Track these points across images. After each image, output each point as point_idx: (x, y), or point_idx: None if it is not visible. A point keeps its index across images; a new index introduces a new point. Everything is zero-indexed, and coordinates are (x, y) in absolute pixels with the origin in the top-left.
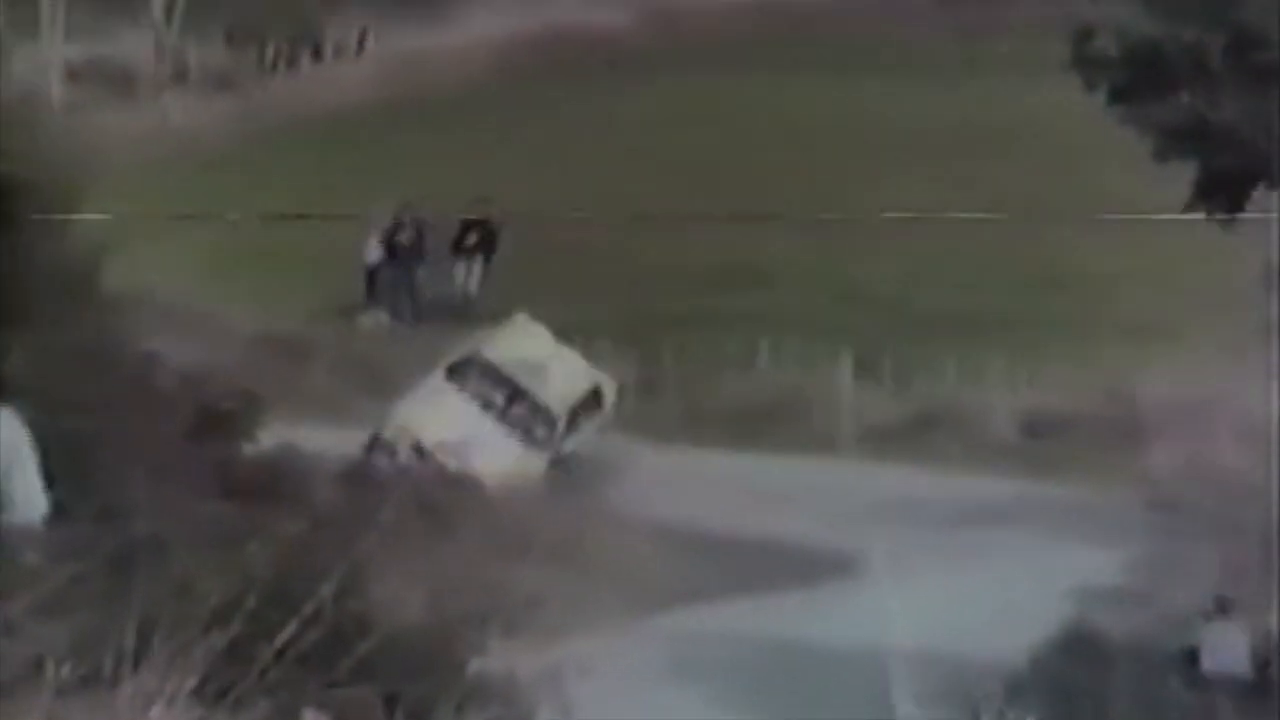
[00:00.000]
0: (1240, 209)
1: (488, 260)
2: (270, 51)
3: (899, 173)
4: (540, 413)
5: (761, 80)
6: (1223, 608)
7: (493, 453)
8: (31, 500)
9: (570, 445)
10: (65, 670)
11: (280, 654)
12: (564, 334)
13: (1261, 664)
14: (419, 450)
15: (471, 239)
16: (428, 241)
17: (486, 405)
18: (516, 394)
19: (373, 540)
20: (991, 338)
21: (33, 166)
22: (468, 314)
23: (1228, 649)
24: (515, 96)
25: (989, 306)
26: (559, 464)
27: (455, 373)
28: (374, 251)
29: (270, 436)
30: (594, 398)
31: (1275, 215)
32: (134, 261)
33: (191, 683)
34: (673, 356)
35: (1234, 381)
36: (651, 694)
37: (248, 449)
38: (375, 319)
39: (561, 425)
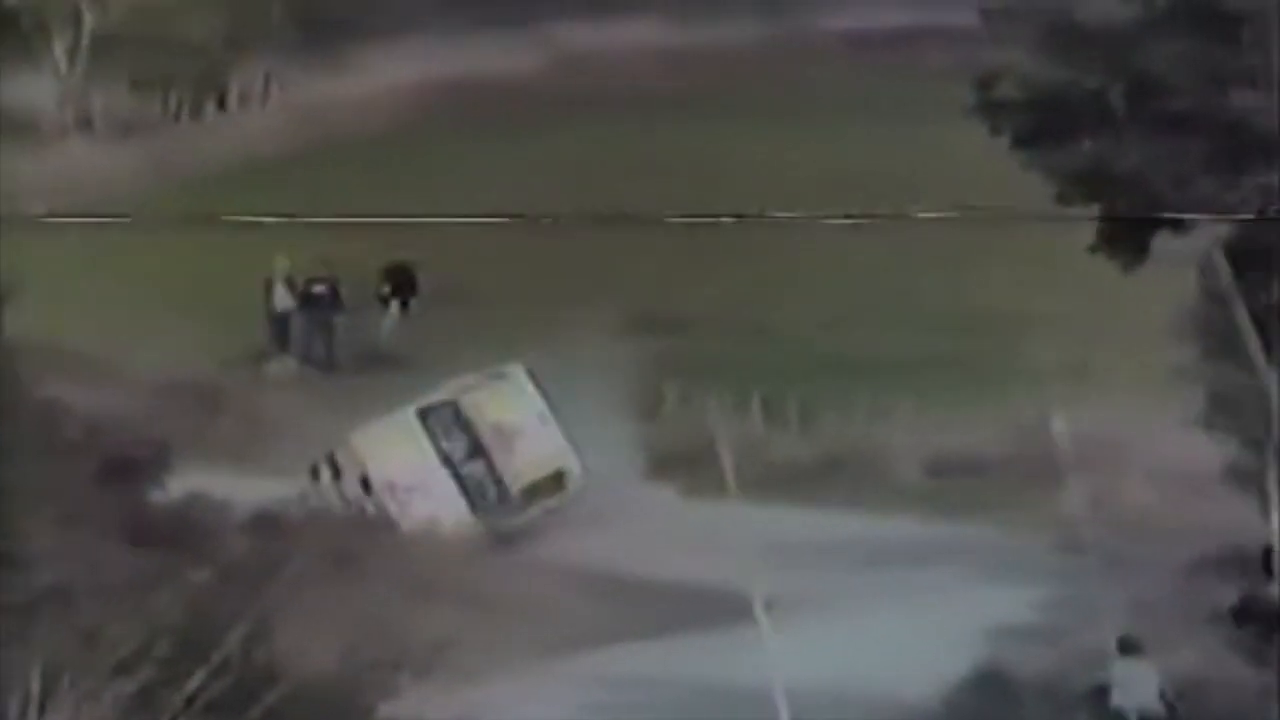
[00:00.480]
0: (1144, 254)
1: (405, 306)
2: (175, 99)
3: (810, 215)
4: (497, 483)
5: (673, 124)
6: (1129, 647)
7: (437, 505)
8: None
9: (517, 522)
10: None
11: (189, 702)
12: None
13: (1170, 704)
14: (365, 483)
15: (389, 286)
16: (342, 290)
17: (446, 457)
18: (479, 454)
19: (282, 588)
20: (900, 379)
21: None
22: (384, 361)
23: (1138, 686)
24: (422, 144)
25: (897, 348)
26: (500, 537)
27: (426, 415)
28: (283, 299)
29: (179, 485)
30: (556, 480)
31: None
32: (37, 309)
33: None
34: (582, 400)
35: (1142, 423)
36: None
37: (156, 496)
38: (284, 366)
39: (513, 502)
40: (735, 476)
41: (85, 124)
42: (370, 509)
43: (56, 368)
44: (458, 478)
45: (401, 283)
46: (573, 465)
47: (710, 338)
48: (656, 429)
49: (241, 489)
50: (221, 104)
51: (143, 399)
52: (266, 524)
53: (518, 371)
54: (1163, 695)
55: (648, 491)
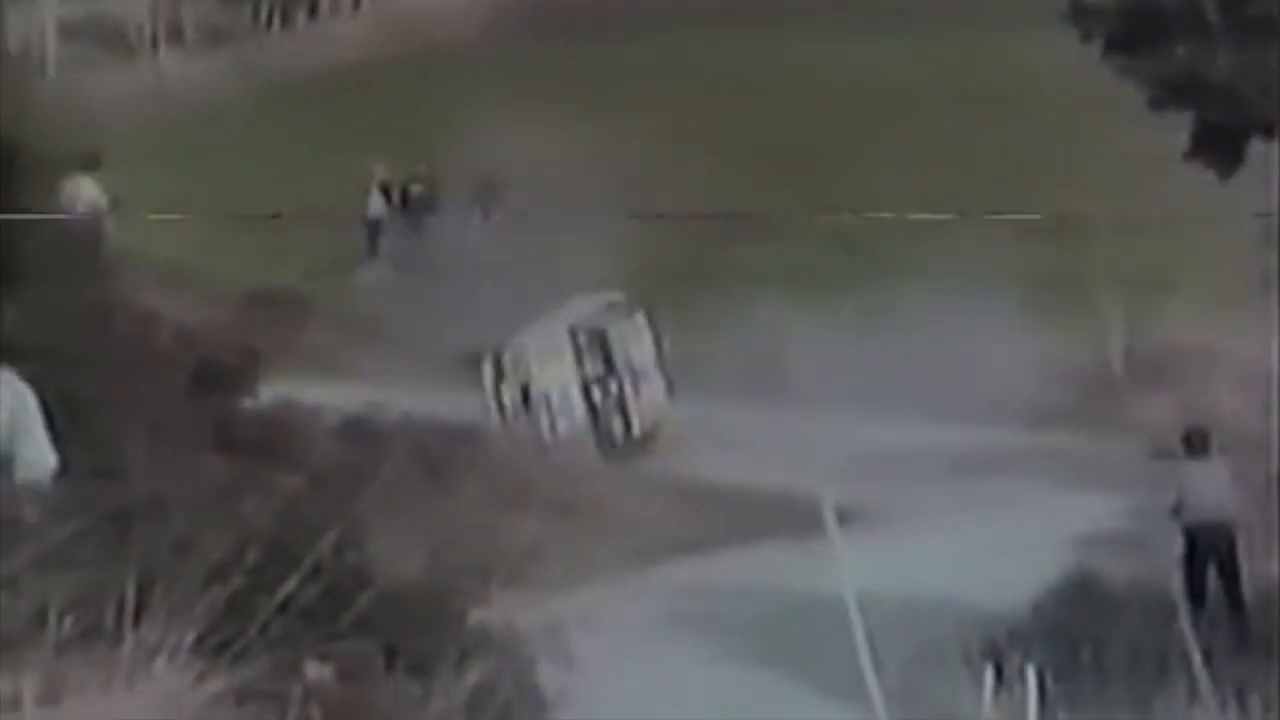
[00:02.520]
0: (1237, 161)
1: (487, 215)
2: (265, 7)
3: (897, 129)
4: (624, 420)
5: (757, 35)
6: (1199, 445)
7: (573, 429)
8: (41, 458)
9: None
10: (67, 624)
11: (281, 608)
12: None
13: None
14: (525, 393)
15: (472, 193)
16: (438, 194)
17: (587, 383)
18: (614, 387)
19: (373, 494)
20: (990, 287)
21: (29, 126)
22: (474, 269)
23: (1208, 491)
24: (512, 53)
25: (988, 255)
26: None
27: (576, 335)
28: (377, 205)
29: (270, 392)
30: (658, 427)
31: (1275, 169)
32: (132, 221)
33: (192, 637)
34: (675, 308)
35: (1232, 331)
36: (652, 646)
37: (247, 404)
38: (376, 273)
39: (633, 442)
40: (819, 386)
41: (176, 34)
42: (521, 422)
43: (149, 280)
44: (592, 408)
45: (485, 190)
46: (672, 416)
47: (801, 244)
48: (750, 335)
49: (333, 395)
50: (313, 12)
51: (234, 307)
52: (358, 430)
53: (635, 308)
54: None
55: (734, 403)
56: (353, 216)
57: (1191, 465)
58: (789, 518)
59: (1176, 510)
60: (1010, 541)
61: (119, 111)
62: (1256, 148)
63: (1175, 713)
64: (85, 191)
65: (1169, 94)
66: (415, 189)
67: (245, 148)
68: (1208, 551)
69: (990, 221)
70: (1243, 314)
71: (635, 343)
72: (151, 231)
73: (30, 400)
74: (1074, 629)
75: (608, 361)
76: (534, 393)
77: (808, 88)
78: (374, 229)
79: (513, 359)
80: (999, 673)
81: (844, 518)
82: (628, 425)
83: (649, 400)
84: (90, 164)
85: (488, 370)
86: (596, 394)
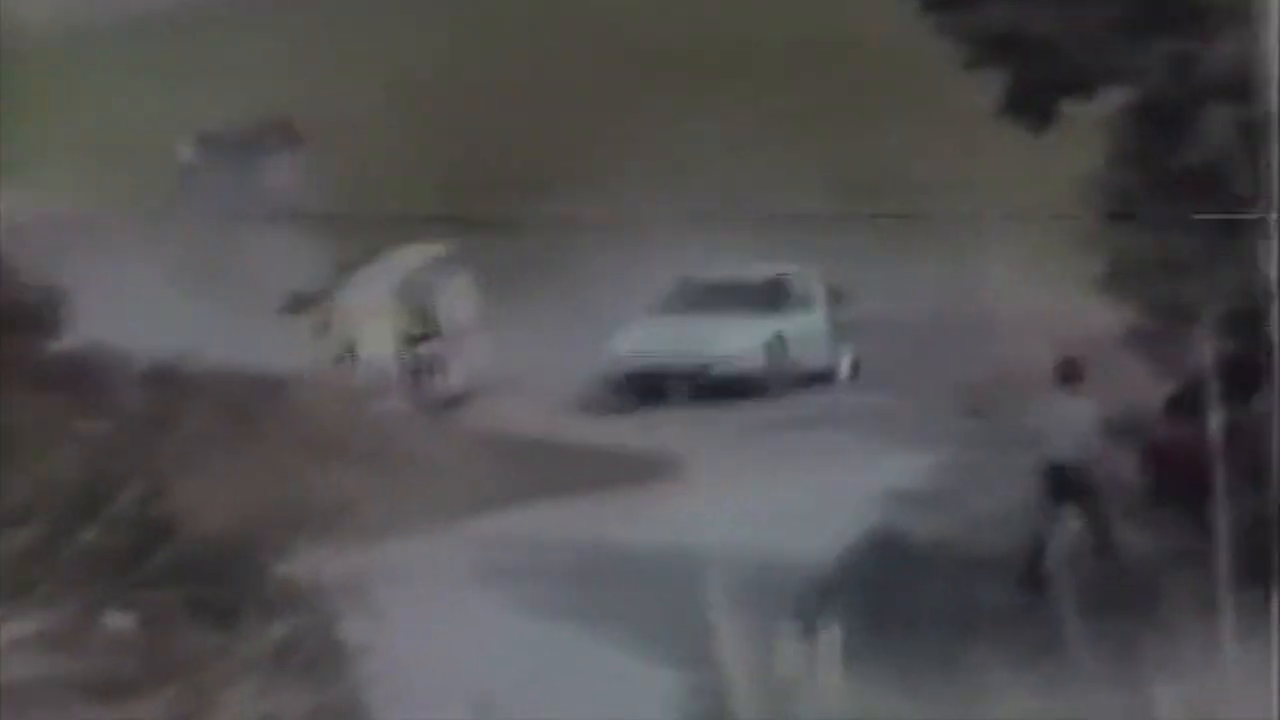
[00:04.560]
0: (1049, 119)
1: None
2: None
3: (717, 85)
4: (442, 374)
5: None
6: (1069, 375)
7: (386, 383)
8: None
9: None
10: None
11: (83, 555)
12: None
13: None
14: (350, 350)
15: (276, 137)
16: (252, 140)
17: (407, 337)
18: (435, 343)
19: (179, 443)
20: (805, 242)
21: None
22: (282, 214)
23: (1072, 424)
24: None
25: (804, 211)
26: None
27: (399, 290)
28: (188, 150)
29: (78, 333)
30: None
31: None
32: None
33: None
34: (495, 260)
35: (1047, 291)
36: (460, 599)
37: (51, 346)
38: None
39: (448, 402)
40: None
41: None
42: (339, 375)
43: None
44: (412, 364)
45: (288, 134)
46: (489, 372)
47: (618, 192)
48: (571, 306)
49: (143, 340)
50: None
51: (43, 240)
52: (167, 378)
53: (458, 264)
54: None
55: (551, 356)
56: (169, 158)
57: (1058, 399)
58: (602, 471)
59: (1035, 442)
60: (819, 496)
61: None
62: (1072, 107)
63: (978, 671)
64: None
65: (986, 51)
66: (229, 134)
67: (75, 84)
68: (1063, 490)
69: (813, 180)
70: (1057, 270)
71: (458, 299)
72: None
73: None
74: (879, 585)
75: (429, 319)
76: (355, 346)
77: (625, 42)
78: (189, 172)
79: (336, 312)
80: (803, 626)
81: (658, 470)
82: (445, 384)
83: (468, 358)
84: None
85: (310, 322)
86: (417, 350)
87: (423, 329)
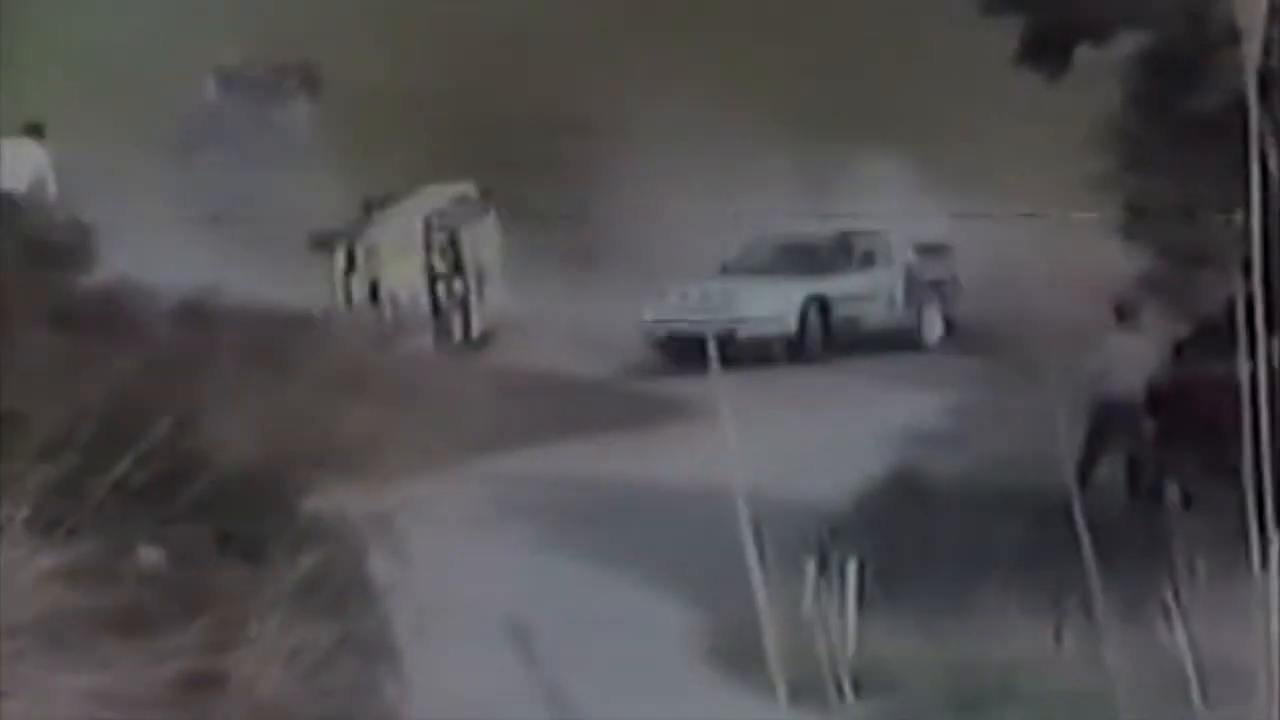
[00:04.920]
0: (1065, 65)
1: (313, 104)
2: None
3: (722, 26)
4: (465, 323)
5: None
6: (1128, 315)
7: (411, 322)
8: None
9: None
10: None
11: (114, 489)
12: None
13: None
14: (374, 289)
15: (295, 81)
16: (275, 82)
17: (434, 281)
18: (459, 288)
19: (209, 378)
20: (813, 181)
21: None
22: (307, 154)
23: (1130, 364)
24: None
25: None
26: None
27: (427, 231)
28: (211, 90)
29: (106, 269)
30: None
31: None
32: None
33: (24, 513)
34: (518, 201)
35: (1055, 236)
36: (481, 535)
37: (81, 281)
38: (210, 158)
39: (471, 344)
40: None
41: None
42: (365, 314)
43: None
44: (436, 305)
45: (308, 77)
46: (512, 314)
47: (630, 140)
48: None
49: (173, 276)
50: None
51: (68, 180)
52: (196, 313)
53: (486, 206)
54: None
55: (572, 298)
56: (192, 101)
57: (1116, 337)
58: (625, 411)
59: (1096, 380)
60: (837, 437)
61: None
62: (1086, 53)
63: (992, 608)
64: None
65: None
66: (250, 74)
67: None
68: (1113, 428)
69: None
70: (1072, 215)
71: (485, 243)
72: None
73: None
74: (896, 524)
75: (456, 261)
76: (381, 286)
77: None
78: (212, 115)
79: (364, 251)
80: (822, 565)
81: (680, 410)
82: (467, 324)
83: (491, 301)
84: None
85: (339, 260)
86: (442, 292)
87: (448, 267)
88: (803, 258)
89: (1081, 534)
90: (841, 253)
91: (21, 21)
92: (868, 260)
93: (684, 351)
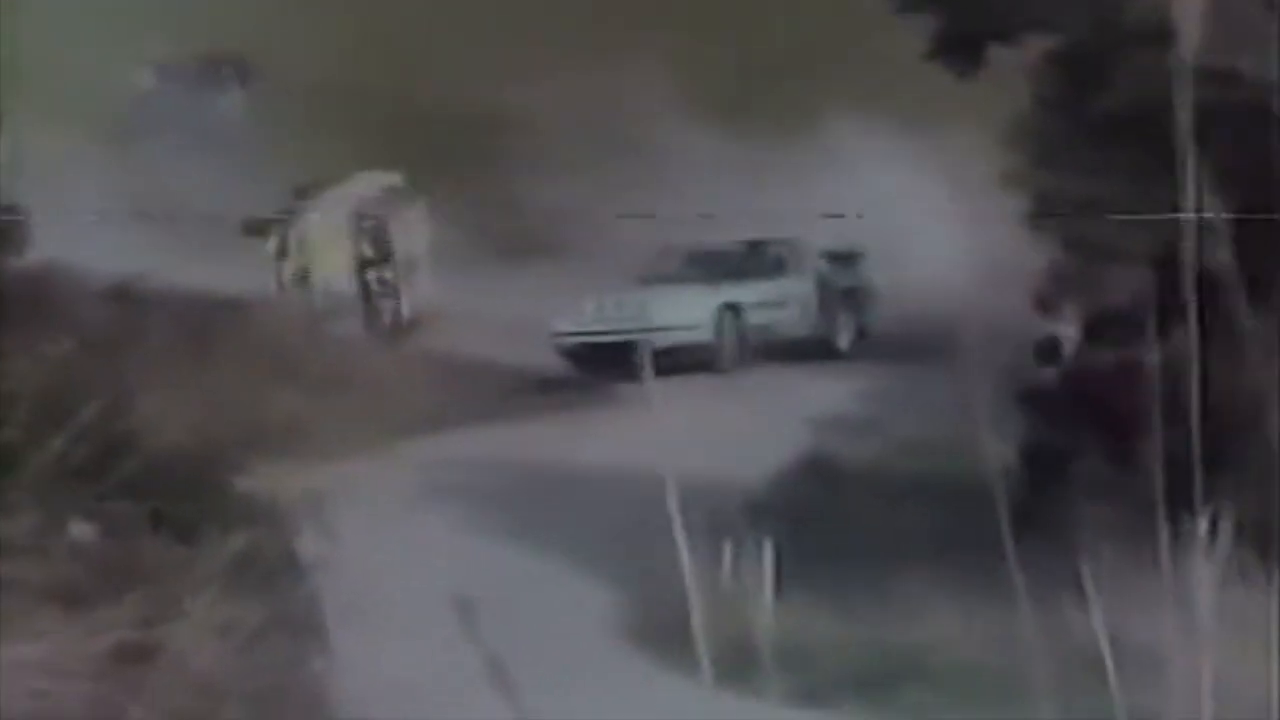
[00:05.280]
0: (977, 63)
1: (245, 93)
2: None
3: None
4: (395, 312)
5: None
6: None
7: (340, 308)
8: None
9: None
10: None
11: (48, 467)
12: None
13: None
14: (304, 274)
15: (229, 72)
16: (208, 71)
17: (363, 266)
18: (388, 277)
19: (141, 361)
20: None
21: None
22: (237, 144)
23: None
24: None
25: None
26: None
27: (358, 221)
28: (147, 79)
29: (37, 253)
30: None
31: None
32: None
33: None
34: (445, 190)
35: (948, 227)
36: (409, 516)
37: (14, 264)
38: (144, 146)
39: (400, 333)
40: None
41: None
42: (295, 299)
43: None
44: (366, 292)
45: (240, 67)
46: (438, 300)
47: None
48: (513, 223)
49: (104, 261)
50: None
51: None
52: (127, 296)
53: (415, 196)
54: None
55: (498, 284)
56: (128, 90)
57: (1037, 327)
58: (549, 397)
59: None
60: (751, 423)
61: None
62: (997, 52)
63: (904, 589)
64: None
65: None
66: (184, 66)
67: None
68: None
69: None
70: (981, 207)
71: (413, 232)
72: None
73: None
74: (808, 507)
75: (385, 250)
76: (313, 273)
77: None
78: (144, 103)
79: (296, 238)
80: (737, 546)
81: (601, 397)
82: (397, 311)
83: (419, 287)
84: None
85: (271, 246)
86: (372, 279)
87: (377, 255)
88: (714, 265)
89: (1001, 518)
90: (753, 260)
91: None
92: (779, 267)
93: (599, 361)
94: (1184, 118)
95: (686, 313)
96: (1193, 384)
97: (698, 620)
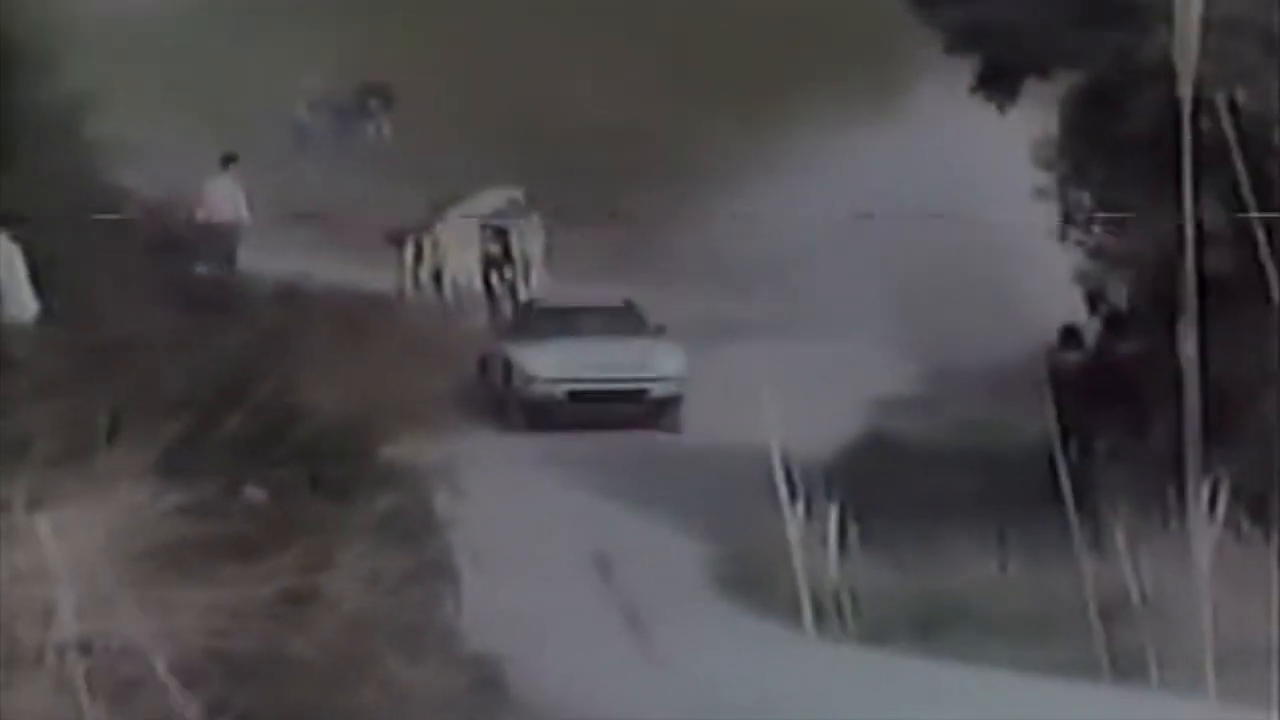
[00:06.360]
0: (1015, 95)
1: (384, 121)
2: None
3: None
4: (513, 299)
5: None
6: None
7: (469, 304)
8: (23, 302)
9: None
10: (50, 445)
11: (226, 440)
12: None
13: None
14: (437, 276)
15: (374, 101)
16: (358, 101)
17: (489, 274)
18: (510, 273)
19: (304, 348)
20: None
21: (14, 16)
22: (388, 164)
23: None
24: None
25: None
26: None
27: (483, 229)
28: (303, 111)
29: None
30: None
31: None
32: (110, 105)
33: (153, 459)
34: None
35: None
36: (533, 482)
37: (199, 269)
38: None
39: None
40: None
41: None
42: (431, 296)
43: (122, 157)
44: (490, 290)
45: (384, 96)
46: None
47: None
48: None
49: (272, 266)
50: None
51: (191, 180)
52: (293, 294)
53: (532, 208)
54: None
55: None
56: (285, 119)
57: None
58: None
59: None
60: (820, 398)
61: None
62: (1033, 85)
63: (958, 548)
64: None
65: (961, 38)
66: (335, 98)
67: (198, 49)
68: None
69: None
70: (1020, 220)
71: (530, 238)
72: (120, 119)
73: (17, 257)
74: (870, 477)
75: (506, 253)
76: (444, 273)
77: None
78: (303, 131)
79: (430, 244)
80: (808, 510)
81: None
82: (515, 305)
83: (535, 286)
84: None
85: (409, 251)
86: (494, 278)
87: (499, 258)
88: (624, 321)
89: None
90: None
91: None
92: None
93: (591, 410)
94: (1184, 142)
95: (673, 362)
96: (1193, 369)
97: (791, 572)
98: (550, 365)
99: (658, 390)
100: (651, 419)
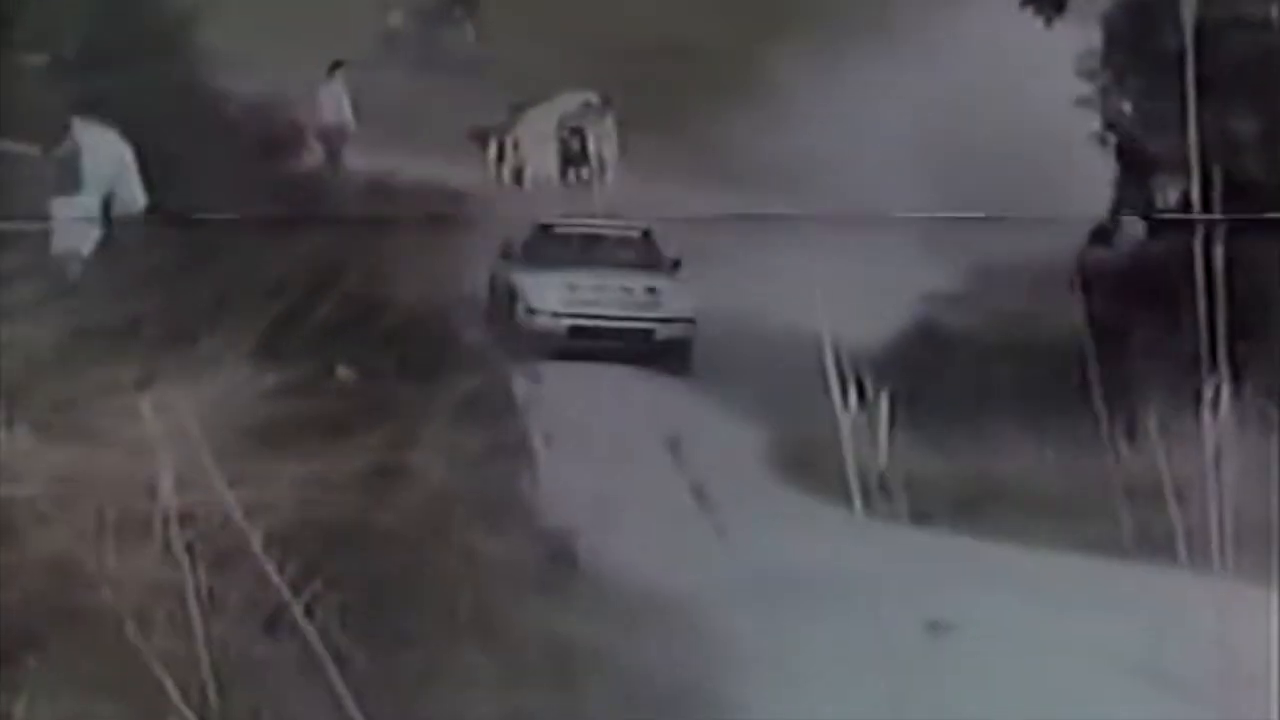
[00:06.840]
0: (1063, 8)
1: (474, 28)
2: None
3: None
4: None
5: None
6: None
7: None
8: (135, 197)
9: None
10: (157, 328)
11: (320, 324)
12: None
13: None
14: (518, 174)
15: (460, 9)
16: (440, 10)
17: (565, 165)
18: (586, 171)
19: (393, 239)
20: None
21: None
22: (472, 68)
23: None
24: None
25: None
26: None
27: (561, 128)
28: (395, 18)
29: (314, 157)
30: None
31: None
32: (218, 16)
33: (252, 343)
34: (636, 109)
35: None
36: (598, 368)
37: (293, 165)
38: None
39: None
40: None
41: None
42: (512, 191)
43: (227, 65)
44: (568, 187)
45: (470, 4)
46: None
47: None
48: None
49: (363, 163)
50: None
51: (290, 85)
52: (381, 189)
53: (607, 111)
54: None
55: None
56: (379, 26)
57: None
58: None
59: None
60: (870, 293)
61: None
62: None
63: (999, 434)
64: None
65: None
66: (428, 4)
67: None
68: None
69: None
70: (1063, 125)
71: (604, 140)
72: (227, 29)
73: (128, 153)
74: (917, 368)
75: (582, 152)
76: (525, 171)
77: None
78: (393, 37)
79: (511, 143)
80: (859, 399)
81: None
82: (591, 202)
83: (609, 184)
84: None
85: (493, 149)
86: (572, 176)
87: (576, 158)
88: (636, 252)
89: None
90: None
91: None
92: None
93: (593, 346)
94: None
95: (683, 300)
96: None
97: (841, 457)
98: (553, 299)
99: (663, 332)
100: (656, 359)
